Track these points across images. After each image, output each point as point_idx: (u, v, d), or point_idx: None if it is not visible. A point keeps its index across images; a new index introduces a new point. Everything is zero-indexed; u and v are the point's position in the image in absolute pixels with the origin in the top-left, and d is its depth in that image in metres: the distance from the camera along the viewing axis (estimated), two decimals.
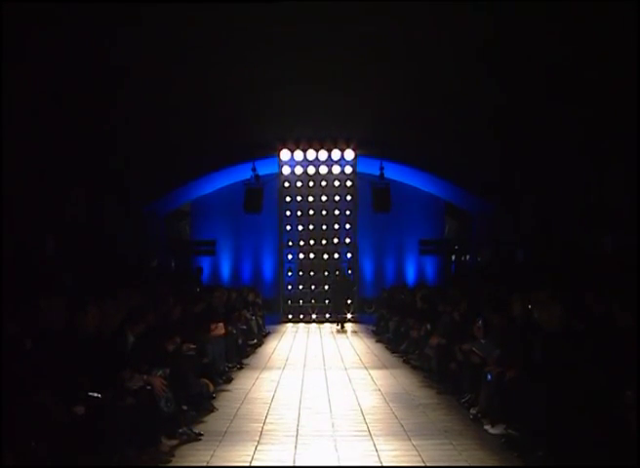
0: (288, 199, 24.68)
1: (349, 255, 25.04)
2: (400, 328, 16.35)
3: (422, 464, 7.29)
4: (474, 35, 13.69)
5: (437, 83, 16.44)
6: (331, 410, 9.80)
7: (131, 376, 7.56)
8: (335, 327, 22.59)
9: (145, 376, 7.77)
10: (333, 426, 8.89)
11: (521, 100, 15.87)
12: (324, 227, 24.81)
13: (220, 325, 12.30)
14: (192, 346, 10.45)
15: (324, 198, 24.69)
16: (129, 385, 7.41)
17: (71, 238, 17.45)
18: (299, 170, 24.38)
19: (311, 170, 24.46)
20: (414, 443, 8.05)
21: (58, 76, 13.49)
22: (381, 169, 23.58)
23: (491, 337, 9.46)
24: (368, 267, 26.84)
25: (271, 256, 26.45)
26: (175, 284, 16.11)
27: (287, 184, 24.62)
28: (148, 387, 7.65)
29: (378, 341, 18.09)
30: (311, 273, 24.87)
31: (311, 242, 24.86)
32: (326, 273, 24.79)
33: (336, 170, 24.47)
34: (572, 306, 8.38)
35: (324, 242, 24.83)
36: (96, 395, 6.65)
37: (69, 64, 13.21)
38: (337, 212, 24.85)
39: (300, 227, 24.83)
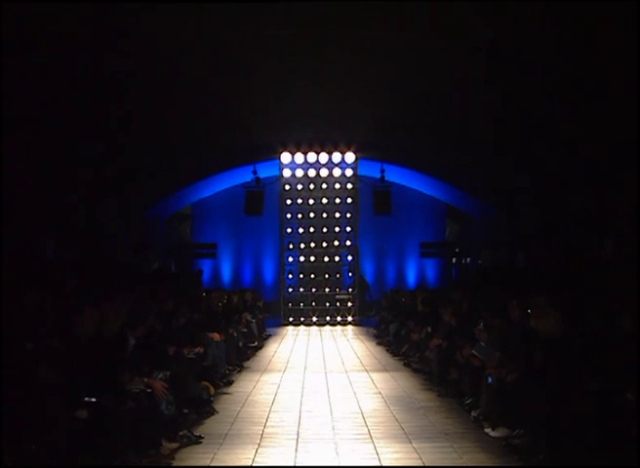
0: (288, 202, 24.65)
1: (350, 258, 25.02)
2: (401, 331, 16.34)
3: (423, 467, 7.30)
4: (475, 39, 13.69)
5: (438, 86, 16.44)
6: (331, 413, 9.79)
7: (131, 379, 7.56)
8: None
9: (146, 379, 7.77)
10: (333, 429, 8.89)
11: (522, 104, 15.87)
12: (325, 230, 24.76)
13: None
14: (196, 350, 10.48)
15: (325, 201, 24.64)
16: (129, 388, 7.41)
17: (72, 241, 17.46)
18: (299, 172, 24.36)
19: (312, 172, 24.43)
20: (414, 445, 8.04)
21: (58, 78, 13.49)
22: (382, 171, 23.60)
23: (491, 340, 9.46)
24: (369, 270, 26.84)
25: (272, 259, 26.45)
26: (175, 287, 16.09)
27: (287, 187, 24.59)
28: (149, 390, 7.65)
29: (378, 344, 18.07)
30: (312, 276, 24.83)
31: (312, 245, 24.82)
32: (327, 276, 24.79)
33: (336, 172, 24.45)
34: (572, 309, 8.39)
35: (325, 244, 24.79)
36: (92, 400, 6.64)
37: (69, 67, 13.22)
38: (337, 214, 24.81)
39: (301, 230, 24.80)
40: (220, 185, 25.61)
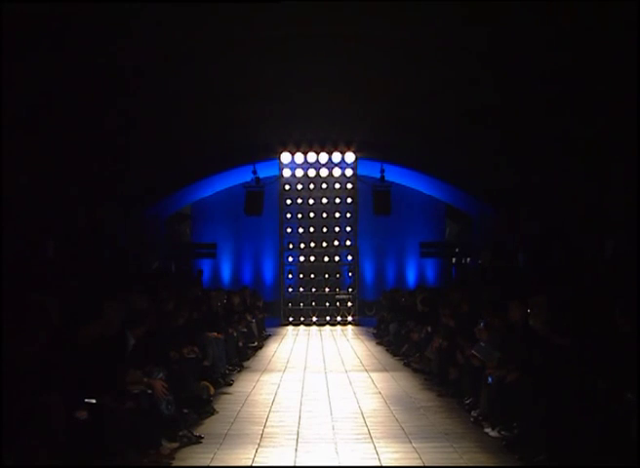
0: (288, 201, 24.67)
1: (350, 258, 25.04)
2: (401, 330, 16.34)
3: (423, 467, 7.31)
4: (475, 39, 13.69)
5: (438, 86, 16.43)
6: (331, 413, 9.80)
7: (131, 379, 7.56)
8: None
9: (146, 379, 7.77)
10: (333, 429, 8.89)
11: (522, 104, 15.87)
12: (324, 230, 24.78)
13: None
14: (195, 350, 10.48)
15: (324, 200, 24.66)
16: (129, 388, 7.41)
17: (72, 241, 17.45)
18: (299, 172, 24.37)
19: (312, 172, 24.44)
20: (414, 445, 8.05)
21: (58, 78, 13.49)
22: (382, 171, 23.59)
23: (491, 340, 9.46)
24: (368, 270, 26.83)
25: (272, 259, 26.44)
26: (175, 286, 16.09)
27: (287, 187, 24.61)
28: (149, 391, 7.65)
29: (378, 344, 18.09)
30: (312, 276, 24.83)
31: (312, 244, 24.84)
32: (327, 276, 24.80)
33: (336, 172, 24.46)
34: (571, 309, 8.38)
35: (324, 244, 24.81)
36: (93, 401, 6.64)
37: (69, 67, 13.22)
38: (337, 214, 24.82)
39: (301, 230, 24.82)
40: (220, 185, 25.62)
